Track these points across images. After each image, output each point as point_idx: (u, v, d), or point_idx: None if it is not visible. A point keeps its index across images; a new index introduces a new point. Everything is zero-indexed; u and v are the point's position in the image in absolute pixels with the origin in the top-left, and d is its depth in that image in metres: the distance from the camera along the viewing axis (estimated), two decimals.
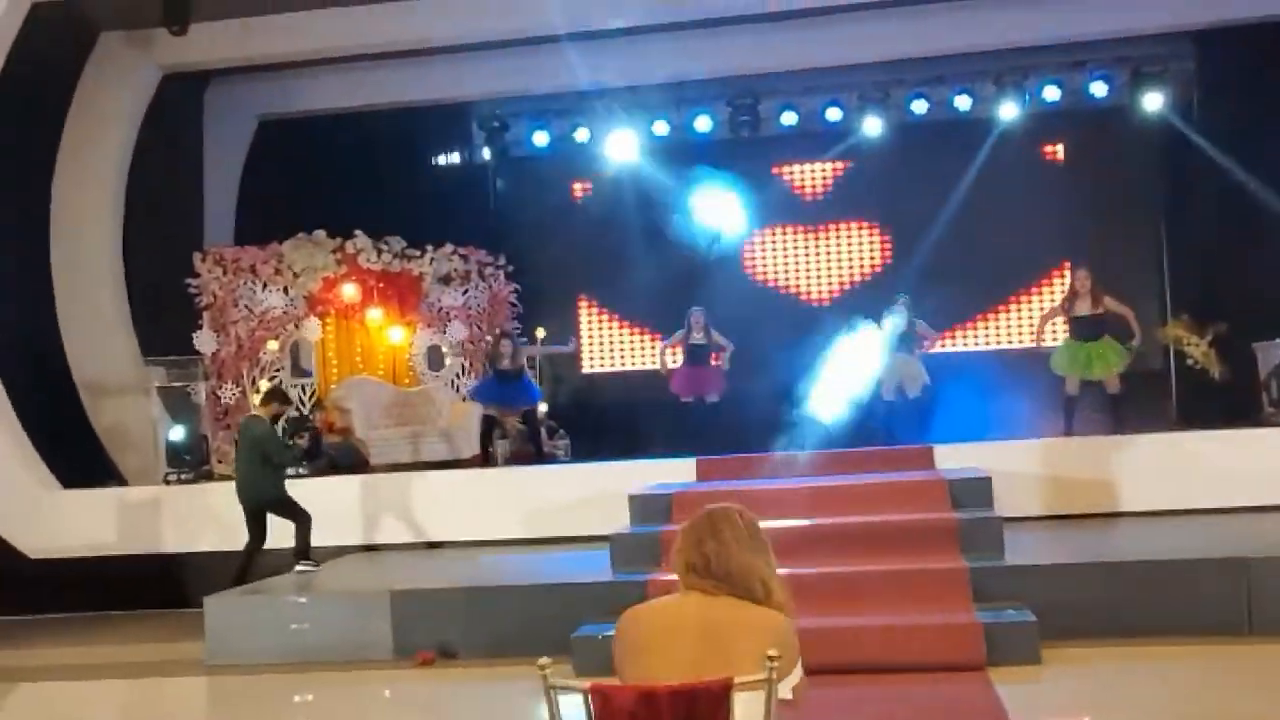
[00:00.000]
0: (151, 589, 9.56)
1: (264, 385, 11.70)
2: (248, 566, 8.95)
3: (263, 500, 8.93)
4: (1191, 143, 12.99)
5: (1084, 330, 10.51)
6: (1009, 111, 13.28)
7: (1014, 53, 13.04)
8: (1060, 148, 13.90)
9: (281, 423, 9.57)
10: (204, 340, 11.81)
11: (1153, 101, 13.10)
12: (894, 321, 11.53)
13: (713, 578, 2.82)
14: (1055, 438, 10.15)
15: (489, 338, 12.31)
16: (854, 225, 14.31)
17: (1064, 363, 10.59)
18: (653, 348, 14.35)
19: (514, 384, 11.37)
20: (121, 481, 11.22)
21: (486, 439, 11.22)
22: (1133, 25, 12.50)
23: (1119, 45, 13.02)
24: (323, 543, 10.08)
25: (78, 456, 11.27)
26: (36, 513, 10.44)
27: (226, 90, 13.46)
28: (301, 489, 10.29)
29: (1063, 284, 13.32)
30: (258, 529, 9.00)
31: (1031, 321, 13.75)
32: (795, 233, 14.39)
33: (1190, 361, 11.76)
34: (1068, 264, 13.66)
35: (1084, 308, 10.52)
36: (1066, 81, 13.34)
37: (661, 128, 13.99)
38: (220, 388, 11.78)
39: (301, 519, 8.99)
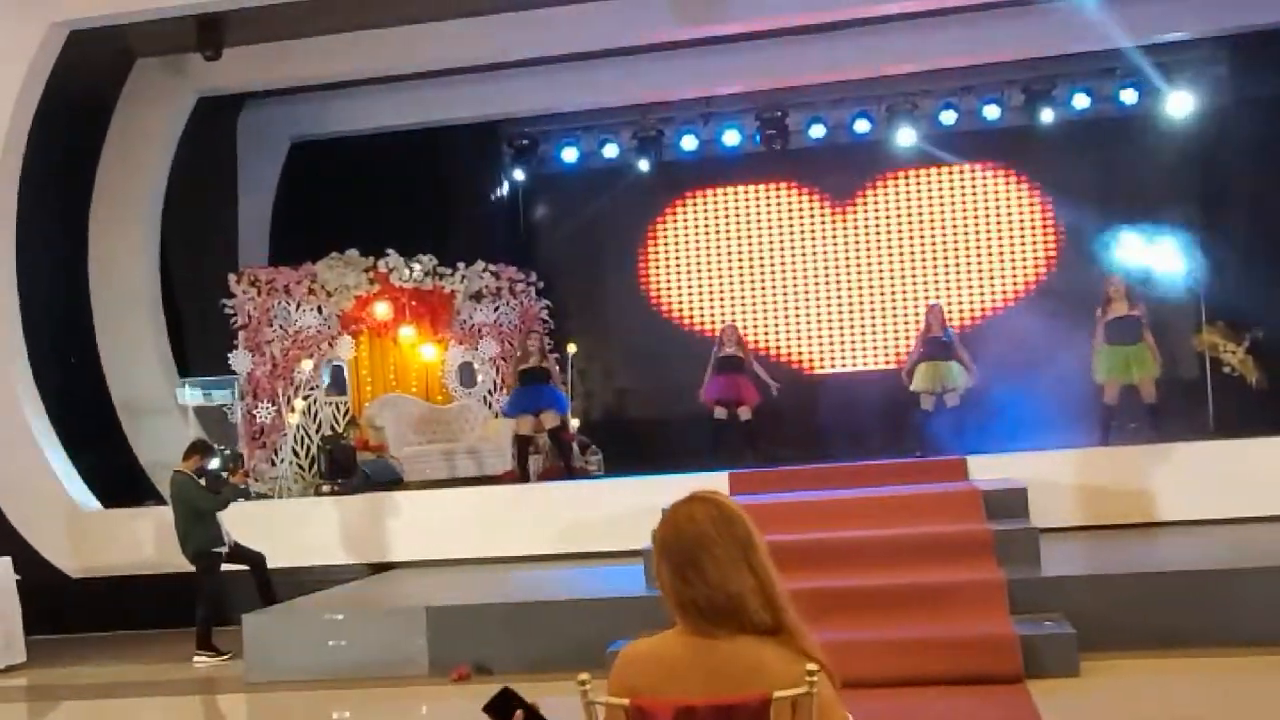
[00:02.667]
0: (191, 607, 9.62)
1: (299, 404, 11.81)
2: (265, 583, 9.02)
3: (198, 549, 8.87)
4: (1224, 148, 12.89)
5: (1121, 332, 10.43)
6: (1038, 120, 13.24)
7: (1043, 61, 12.99)
8: (1091, 155, 13.81)
9: (219, 461, 9.57)
10: (239, 360, 11.93)
11: (1183, 108, 13.01)
12: (929, 328, 11.48)
13: (709, 619, 2.47)
14: (1090, 448, 10.06)
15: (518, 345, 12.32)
16: (885, 235, 14.27)
17: (1103, 369, 10.51)
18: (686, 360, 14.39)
19: (540, 387, 11.35)
20: (160, 500, 11.34)
21: (521, 456, 11.26)
22: (1162, 31, 12.43)
23: (1149, 52, 12.93)
24: (360, 560, 10.19)
25: (117, 476, 11.41)
26: (77, 532, 10.58)
27: (260, 113, 13.62)
28: (338, 507, 10.41)
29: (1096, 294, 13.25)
30: (244, 559, 9.05)
31: (1066, 325, 13.65)
32: (826, 242, 14.36)
33: (1226, 369, 11.65)
34: (1100, 273, 13.60)
35: (1118, 310, 10.48)
36: (1096, 89, 13.26)
37: (690, 142, 14.04)
38: (256, 407, 11.89)
39: (205, 599, 8.83)
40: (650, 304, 14.64)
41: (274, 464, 11.71)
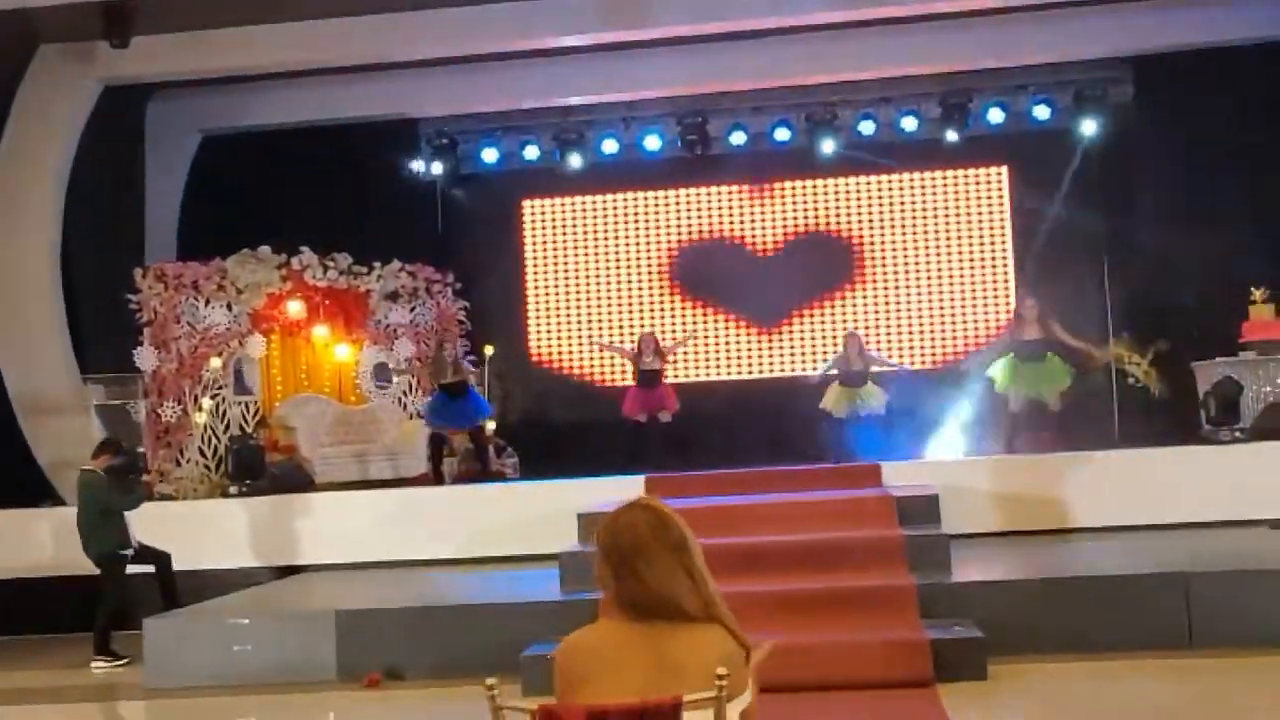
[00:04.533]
0: (89, 611, 9.33)
1: (206, 403, 11.53)
2: (168, 584, 8.77)
3: (104, 550, 8.63)
4: (1131, 165, 13.26)
5: (1028, 352, 10.69)
6: (954, 133, 13.49)
7: (959, 75, 13.24)
8: (1004, 169, 14.11)
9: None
10: (144, 357, 11.61)
11: (1093, 125, 13.36)
12: (840, 358, 11.55)
13: (644, 612, 2.67)
14: (1001, 455, 10.25)
15: (431, 355, 12.17)
16: (804, 243, 14.39)
17: (1007, 380, 10.72)
18: (603, 366, 14.38)
19: (462, 400, 11.28)
20: (59, 501, 10.98)
21: (436, 458, 11.12)
22: (1072, 51, 12.76)
23: (1061, 69, 13.27)
24: (267, 563, 9.97)
25: (13, 475, 11.02)
26: None
27: (169, 104, 13.28)
28: (245, 509, 10.17)
29: (1008, 306, 13.53)
30: (150, 558, 8.80)
31: (976, 338, 13.92)
32: (746, 252, 14.45)
33: (1131, 380, 11.96)
34: (1009, 283, 13.90)
35: (1030, 333, 10.74)
36: (1010, 104, 13.55)
37: (611, 146, 14.02)
38: (161, 405, 11.58)
39: (107, 602, 8.55)
40: (568, 307, 14.58)
41: (179, 464, 11.42)
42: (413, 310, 12.86)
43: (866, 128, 13.66)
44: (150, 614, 8.09)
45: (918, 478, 9.29)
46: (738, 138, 13.83)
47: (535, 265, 14.66)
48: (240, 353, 11.86)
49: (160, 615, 8.16)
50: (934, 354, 14.04)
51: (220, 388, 11.73)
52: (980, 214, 14.07)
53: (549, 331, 14.61)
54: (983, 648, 6.49)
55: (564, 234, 14.68)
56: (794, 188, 14.38)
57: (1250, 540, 8.46)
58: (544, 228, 14.72)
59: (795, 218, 14.39)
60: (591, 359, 14.41)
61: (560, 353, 14.57)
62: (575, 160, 13.97)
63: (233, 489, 10.63)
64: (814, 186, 14.33)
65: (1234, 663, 6.53)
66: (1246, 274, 11.33)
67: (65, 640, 9.33)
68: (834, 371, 11.49)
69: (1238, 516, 9.02)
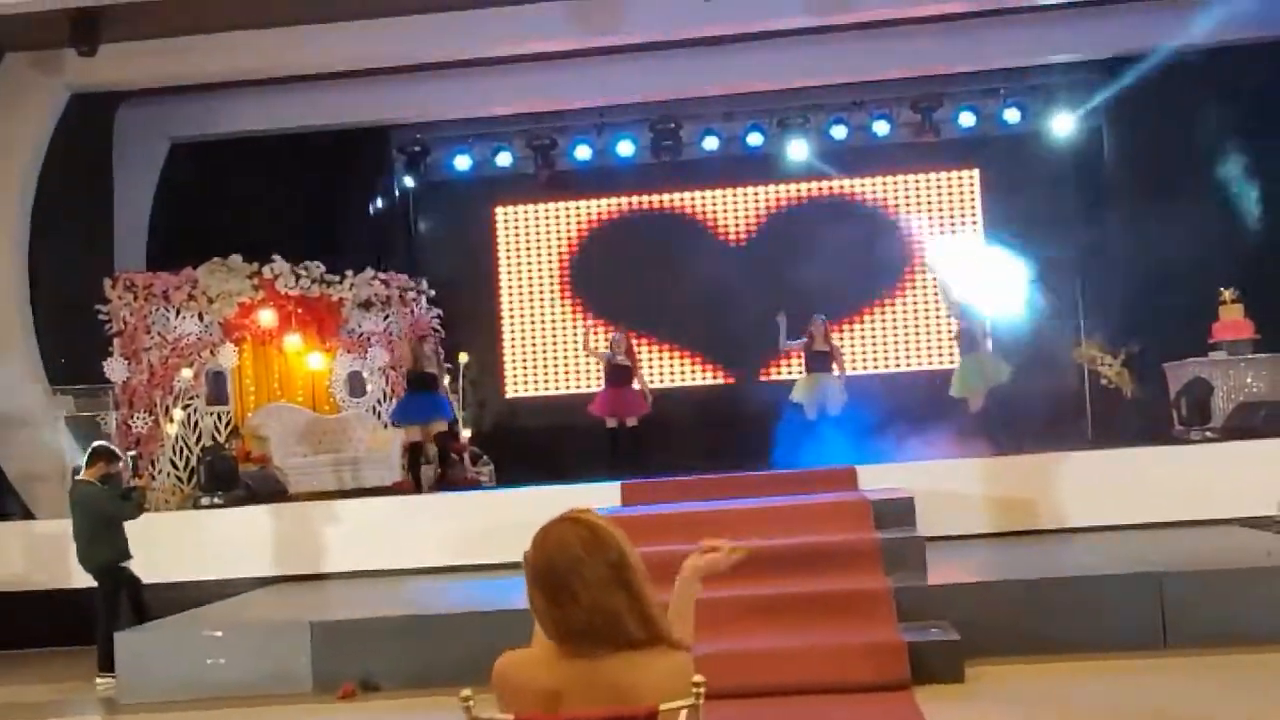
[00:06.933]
0: (60, 625, 9.22)
1: (177, 413, 11.43)
2: (138, 600, 8.55)
3: (105, 562, 8.39)
4: (1102, 167, 13.36)
5: (962, 349, 11.09)
6: (925, 136, 13.55)
7: (931, 79, 13.31)
8: (975, 172, 14.19)
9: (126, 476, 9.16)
10: (114, 368, 11.49)
11: (1064, 128, 13.46)
12: (812, 340, 11.65)
13: (586, 640, 2.49)
14: (975, 459, 10.27)
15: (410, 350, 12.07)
16: (774, 247, 14.42)
17: (957, 384, 10.99)
18: (578, 370, 14.34)
19: (429, 395, 11.21)
20: (28, 514, 10.85)
21: (414, 466, 11.07)
22: (1043, 55, 12.85)
23: (1032, 73, 13.36)
24: (240, 574, 9.88)
25: None
26: None
27: (138, 111, 13.15)
28: (218, 520, 10.08)
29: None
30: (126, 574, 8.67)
31: (950, 343, 13.96)
32: (716, 253, 14.46)
33: (1104, 381, 12.03)
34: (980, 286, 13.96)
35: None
36: (981, 108, 13.63)
37: (584, 152, 14.01)
38: (132, 417, 11.46)
39: (109, 616, 8.23)
40: (542, 313, 14.56)
41: (151, 476, 11.31)
42: (386, 318, 12.80)
43: (839, 132, 13.71)
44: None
45: (893, 480, 9.31)
46: (710, 143, 13.85)
47: (509, 272, 14.63)
48: (212, 363, 11.76)
49: (132, 629, 8.06)
50: (903, 357, 14.10)
51: (192, 398, 11.62)
52: (951, 217, 14.13)
53: (523, 338, 14.58)
54: (959, 650, 6.51)
55: (537, 240, 14.66)
56: (765, 192, 14.41)
57: (1222, 539, 8.53)
58: (517, 234, 14.70)
59: (766, 222, 14.41)
60: (566, 365, 14.38)
61: (535, 360, 14.54)
62: (548, 167, 13.95)
63: (205, 500, 10.54)
64: (785, 190, 14.36)
65: (1208, 661, 6.57)
66: (1216, 275, 11.42)
67: (37, 655, 9.22)
68: (797, 343, 11.81)
69: (1210, 516, 9.08)
